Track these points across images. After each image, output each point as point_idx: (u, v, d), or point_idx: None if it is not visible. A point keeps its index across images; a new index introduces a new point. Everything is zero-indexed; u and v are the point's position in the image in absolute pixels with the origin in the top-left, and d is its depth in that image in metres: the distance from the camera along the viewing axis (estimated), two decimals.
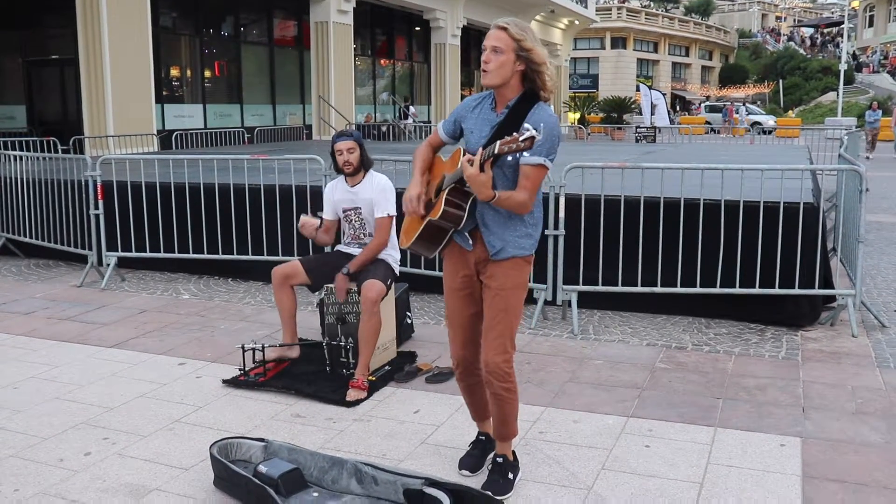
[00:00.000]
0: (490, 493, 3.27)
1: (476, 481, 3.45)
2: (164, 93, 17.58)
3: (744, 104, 46.60)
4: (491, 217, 3.20)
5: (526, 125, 2.91)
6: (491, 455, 3.57)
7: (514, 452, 3.53)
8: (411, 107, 25.95)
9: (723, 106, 45.59)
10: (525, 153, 2.99)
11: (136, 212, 7.44)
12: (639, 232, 5.92)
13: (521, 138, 2.87)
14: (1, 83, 17.90)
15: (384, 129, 23.60)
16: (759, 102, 53.58)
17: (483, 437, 3.68)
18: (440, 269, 6.08)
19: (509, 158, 3.07)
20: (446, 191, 3.18)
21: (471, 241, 3.26)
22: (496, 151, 2.94)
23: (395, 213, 4.86)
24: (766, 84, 63.41)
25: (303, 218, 5.06)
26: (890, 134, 27.56)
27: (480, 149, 3.04)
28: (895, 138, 26.53)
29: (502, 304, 3.25)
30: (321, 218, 5.06)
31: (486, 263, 3.26)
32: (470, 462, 3.58)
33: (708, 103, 50.89)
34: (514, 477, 3.44)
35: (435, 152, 3.45)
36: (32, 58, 17.21)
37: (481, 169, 3.00)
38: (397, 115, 26.61)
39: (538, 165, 3.07)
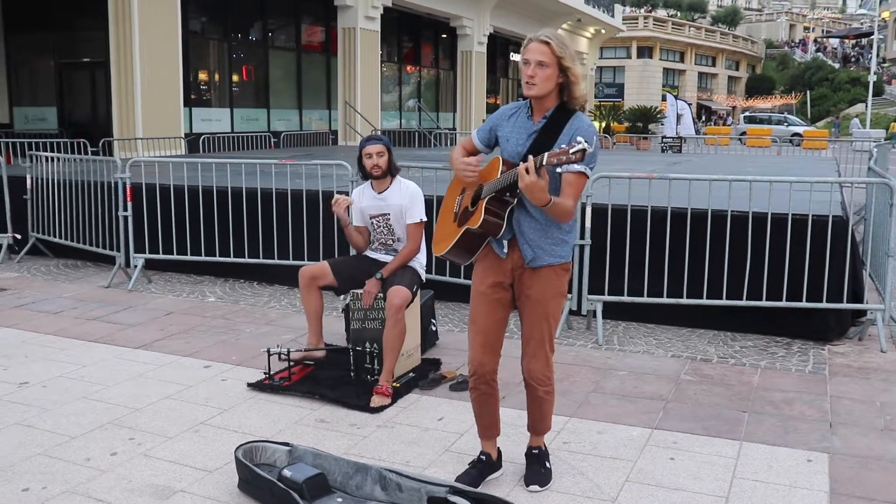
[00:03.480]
0: (513, 502, 3.26)
1: None
2: (193, 96, 17.73)
3: (784, 115, 45.88)
4: (528, 225, 3.24)
5: (578, 137, 2.90)
6: (501, 466, 3.62)
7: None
8: None
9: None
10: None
11: (164, 214, 7.52)
12: (665, 243, 5.88)
13: (571, 151, 2.86)
14: (33, 85, 18.16)
15: None
16: (785, 113, 53.12)
17: (483, 458, 3.57)
18: (466, 277, 6.10)
19: (558, 170, 3.11)
20: (485, 200, 3.20)
21: (506, 250, 3.29)
22: (544, 162, 2.95)
23: (426, 219, 4.87)
24: (793, 95, 62.93)
25: (337, 195, 4.94)
26: None
27: (530, 157, 3.01)
28: None
29: (542, 313, 3.30)
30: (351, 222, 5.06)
31: (523, 271, 3.29)
32: (467, 480, 3.44)
33: (747, 114, 49.96)
34: (550, 464, 3.57)
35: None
36: (64, 60, 17.45)
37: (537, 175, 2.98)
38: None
39: (579, 173, 3.13)
